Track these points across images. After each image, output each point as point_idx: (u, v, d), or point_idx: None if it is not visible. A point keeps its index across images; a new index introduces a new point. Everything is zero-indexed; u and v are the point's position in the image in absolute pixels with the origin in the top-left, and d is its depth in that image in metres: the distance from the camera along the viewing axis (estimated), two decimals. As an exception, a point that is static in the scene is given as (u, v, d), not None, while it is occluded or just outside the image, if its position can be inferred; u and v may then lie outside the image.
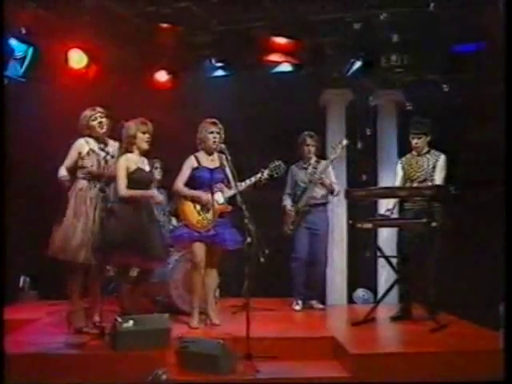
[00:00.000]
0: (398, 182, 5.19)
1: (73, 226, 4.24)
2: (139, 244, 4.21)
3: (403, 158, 5.24)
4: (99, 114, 4.44)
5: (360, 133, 6.21)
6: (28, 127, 5.60)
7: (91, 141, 4.44)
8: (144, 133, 4.43)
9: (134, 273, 4.66)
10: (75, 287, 4.34)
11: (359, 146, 6.16)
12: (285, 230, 5.58)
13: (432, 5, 4.78)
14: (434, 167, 5.00)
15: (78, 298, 4.35)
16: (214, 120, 4.67)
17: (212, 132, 4.63)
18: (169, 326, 4.02)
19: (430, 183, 4.95)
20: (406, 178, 5.13)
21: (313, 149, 5.62)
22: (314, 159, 5.66)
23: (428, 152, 5.07)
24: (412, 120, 5.14)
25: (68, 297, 4.39)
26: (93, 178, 4.36)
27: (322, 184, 5.50)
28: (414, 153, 5.14)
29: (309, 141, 5.60)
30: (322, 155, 5.73)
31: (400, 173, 5.18)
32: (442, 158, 5.02)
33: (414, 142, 5.07)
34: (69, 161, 4.38)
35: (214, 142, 4.62)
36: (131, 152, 4.40)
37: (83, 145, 4.41)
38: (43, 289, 6.12)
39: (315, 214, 5.58)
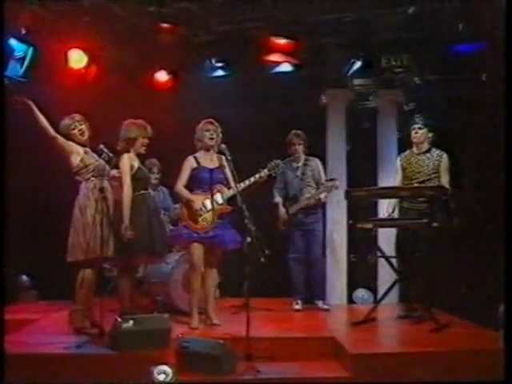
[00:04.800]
0: (397, 180, 5.16)
1: (80, 226, 4.25)
2: (145, 243, 4.31)
3: (402, 155, 5.18)
4: (78, 123, 4.41)
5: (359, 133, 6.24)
6: (28, 127, 5.59)
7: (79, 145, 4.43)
8: (144, 137, 4.44)
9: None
10: (83, 286, 4.32)
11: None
12: (279, 228, 5.60)
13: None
14: (434, 168, 4.94)
15: (84, 297, 4.33)
16: (210, 120, 4.68)
17: (208, 130, 4.62)
18: (169, 326, 4.01)
19: (429, 184, 4.89)
20: (406, 177, 5.07)
21: (300, 147, 5.63)
22: (303, 158, 5.68)
23: (428, 150, 4.99)
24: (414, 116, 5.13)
25: (73, 295, 4.37)
26: (98, 174, 4.34)
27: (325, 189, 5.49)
28: (414, 150, 5.06)
29: (295, 140, 5.61)
30: (312, 153, 5.75)
31: (399, 171, 5.15)
32: (445, 158, 4.93)
33: (413, 133, 4.99)
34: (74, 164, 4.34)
35: (211, 139, 4.61)
36: (128, 152, 4.42)
37: (77, 148, 4.38)
38: (43, 289, 6.13)
39: (310, 214, 5.58)
